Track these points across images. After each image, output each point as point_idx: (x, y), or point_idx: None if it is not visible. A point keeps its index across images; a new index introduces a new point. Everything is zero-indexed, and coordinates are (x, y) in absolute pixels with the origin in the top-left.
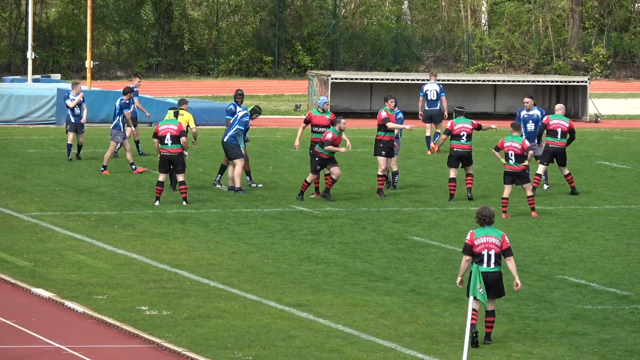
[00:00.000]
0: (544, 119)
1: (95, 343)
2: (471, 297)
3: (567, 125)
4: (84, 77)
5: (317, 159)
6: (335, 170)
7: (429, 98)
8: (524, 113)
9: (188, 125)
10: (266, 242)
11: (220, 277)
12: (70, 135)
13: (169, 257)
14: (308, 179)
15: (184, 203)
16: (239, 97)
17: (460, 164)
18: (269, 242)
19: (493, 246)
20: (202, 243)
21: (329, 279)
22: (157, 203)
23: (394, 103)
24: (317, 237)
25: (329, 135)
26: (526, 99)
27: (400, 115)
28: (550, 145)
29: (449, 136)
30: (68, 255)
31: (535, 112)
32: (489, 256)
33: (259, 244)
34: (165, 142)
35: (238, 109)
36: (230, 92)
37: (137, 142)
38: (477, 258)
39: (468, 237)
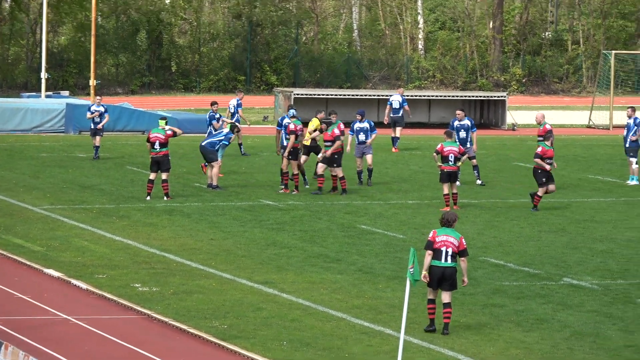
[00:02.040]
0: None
1: (96, 314)
2: (428, 289)
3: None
4: (89, 94)
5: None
6: (338, 172)
7: (394, 107)
8: (456, 123)
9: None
10: (239, 230)
11: (200, 260)
12: (97, 138)
13: (158, 242)
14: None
15: (165, 198)
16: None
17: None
18: (241, 230)
19: (451, 245)
20: (186, 231)
21: (291, 261)
22: (148, 198)
23: (336, 117)
24: (281, 226)
25: (292, 126)
26: (458, 111)
27: (372, 123)
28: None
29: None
30: (74, 242)
31: (466, 122)
32: (446, 252)
33: (233, 232)
34: (155, 147)
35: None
36: (210, 105)
37: (240, 145)
38: (436, 253)
39: (430, 235)
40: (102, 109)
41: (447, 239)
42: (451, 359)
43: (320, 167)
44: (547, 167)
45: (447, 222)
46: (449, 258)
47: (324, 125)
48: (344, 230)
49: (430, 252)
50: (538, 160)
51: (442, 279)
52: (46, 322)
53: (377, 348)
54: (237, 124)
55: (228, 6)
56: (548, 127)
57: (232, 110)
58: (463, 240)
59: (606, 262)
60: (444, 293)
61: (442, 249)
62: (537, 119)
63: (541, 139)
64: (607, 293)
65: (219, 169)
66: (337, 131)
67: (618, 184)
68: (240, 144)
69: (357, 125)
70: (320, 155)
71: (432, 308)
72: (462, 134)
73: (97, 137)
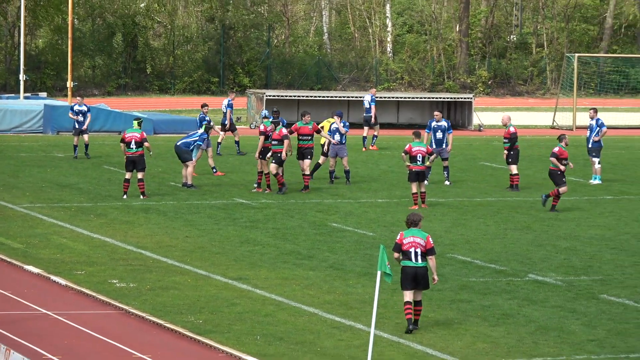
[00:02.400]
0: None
1: (75, 309)
2: (405, 292)
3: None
4: (66, 95)
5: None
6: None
7: (365, 106)
8: (434, 124)
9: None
10: (213, 227)
11: (176, 256)
12: (75, 138)
13: (135, 240)
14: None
15: (141, 197)
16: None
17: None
18: (216, 227)
19: (418, 245)
20: (162, 229)
21: (264, 258)
22: (125, 197)
23: (309, 118)
24: (254, 224)
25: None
26: (436, 112)
27: (347, 123)
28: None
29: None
30: (53, 239)
31: (443, 123)
32: (415, 253)
33: (208, 230)
34: (131, 146)
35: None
36: (184, 106)
37: (237, 142)
38: (406, 255)
39: (398, 237)
40: (84, 108)
41: (414, 240)
42: (420, 353)
43: (273, 167)
44: (562, 167)
45: (412, 223)
46: (419, 258)
47: (272, 126)
48: (316, 228)
49: (397, 254)
50: (554, 160)
51: (415, 278)
52: (26, 317)
53: (348, 342)
54: (209, 125)
55: (201, 10)
56: (512, 129)
57: (224, 110)
58: (430, 239)
59: (570, 259)
60: (417, 292)
61: (410, 250)
62: (503, 121)
63: (506, 140)
64: (570, 289)
65: (194, 168)
66: (284, 131)
67: (581, 183)
68: (237, 142)
69: (334, 126)
70: (269, 155)
71: (409, 309)
72: (439, 134)
73: (85, 136)
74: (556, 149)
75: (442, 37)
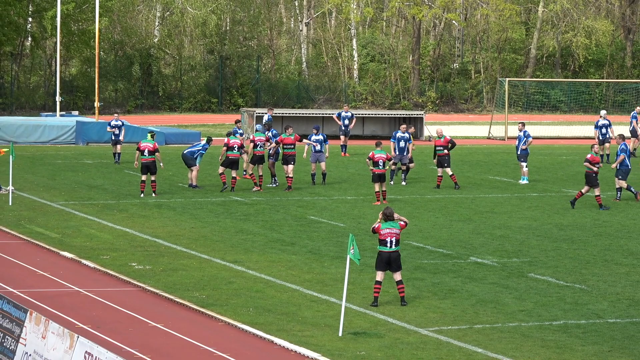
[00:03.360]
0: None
1: (101, 287)
2: (377, 272)
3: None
4: (94, 113)
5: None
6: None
7: (343, 122)
8: (399, 134)
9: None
10: (214, 220)
11: (184, 244)
12: (114, 147)
13: (150, 230)
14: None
15: (153, 195)
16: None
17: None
18: (216, 220)
19: (394, 235)
20: (172, 221)
21: (255, 244)
22: (142, 195)
23: (292, 130)
24: (247, 217)
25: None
26: (402, 125)
27: (324, 136)
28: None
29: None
30: (84, 230)
31: (406, 134)
32: (391, 241)
33: (209, 222)
34: (145, 154)
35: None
36: (190, 122)
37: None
38: (383, 243)
39: (376, 226)
40: (120, 122)
41: (390, 231)
42: (382, 322)
43: (290, 169)
44: (596, 169)
45: (388, 217)
46: (394, 245)
47: (260, 137)
48: (297, 220)
49: (376, 232)
50: (588, 165)
51: (389, 261)
52: (62, 294)
53: (324, 313)
54: (210, 138)
55: (203, 43)
56: (448, 137)
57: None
58: (402, 224)
59: (503, 245)
60: (395, 274)
61: (387, 239)
62: (438, 132)
63: (441, 148)
64: (504, 269)
65: (197, 172)
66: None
67: (512, 183)
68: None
69: (313, 137)
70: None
71: (378, 288)
72: (402, 144)
73: (118, 146)
74: (589, 156)
75: (399, 65)
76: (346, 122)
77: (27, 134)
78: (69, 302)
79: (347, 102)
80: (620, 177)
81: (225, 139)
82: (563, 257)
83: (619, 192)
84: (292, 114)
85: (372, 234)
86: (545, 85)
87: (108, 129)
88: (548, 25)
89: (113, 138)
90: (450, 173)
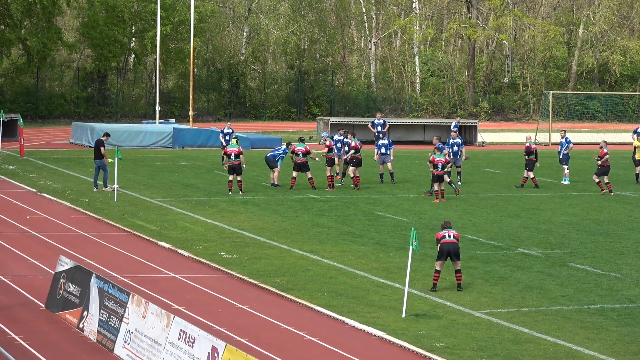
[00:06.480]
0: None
1: (195, 274)
2: (437, 262)
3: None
4: (189, 121)
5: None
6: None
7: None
8: (451, 140)
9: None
10: (293, 215)
11: (266, 235)
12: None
13: (237, 224)
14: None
15: (240, 193)
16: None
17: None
18: (295, 215)
19: (452, 233)
20: (256, 216)
21: (329, 237)
22: (230, 193)
23: (354, 136)
24: (322, 212)
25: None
26: (452, 133)
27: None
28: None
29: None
30: (179, 223)
31: (457, 140)
32: (449, 235)
33: (289, 216)
34: (231, 157)
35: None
36: (273, 129)
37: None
38: (444, 237)
39: (437, 235)
40: (231, 130)
41: (449, 232)
42: (440, 305)
43: (352, 170)
44: None
45: (446, 226)
46: (452, 237)
47: (331, 142)
48: (366, 215)
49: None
50: None
51: (449, 252)
52: (160, 279)
53: (389, 297)
54: (289, 143)
55: (284, 60)
56: (533, 146)
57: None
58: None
59: (547, 238)
60: (455, 263)
61: (446, 234)
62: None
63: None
64: (548, 259)
65: (279, 173)
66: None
67: (555, 184)
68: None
69: (380, 142)
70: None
71: (437, 276)
72: (455, 148)
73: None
74: None
75: (455, 80)
76: (379, 128)
77: (130, 139)
78: (166, 286)
79: (409, 112)
80: None
81: (291, 146)
82: (600, 249)
83: None
84: (362, 122)
85: (431, 230)
86: (584, 98)
87: (220, 136)
88: (587, 44)
89: (223, 144)
90: (532, 176)
